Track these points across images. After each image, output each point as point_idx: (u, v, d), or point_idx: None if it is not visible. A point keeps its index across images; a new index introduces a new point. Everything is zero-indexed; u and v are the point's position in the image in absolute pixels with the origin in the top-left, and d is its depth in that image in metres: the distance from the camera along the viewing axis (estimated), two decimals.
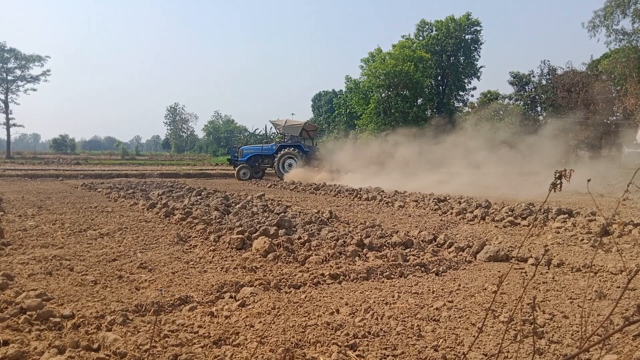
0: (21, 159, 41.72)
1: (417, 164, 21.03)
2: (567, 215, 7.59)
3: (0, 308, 3.13)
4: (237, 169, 21.79)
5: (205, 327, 2.97)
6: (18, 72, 47.82)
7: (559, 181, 1.36)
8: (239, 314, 3.23)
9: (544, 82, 45.04)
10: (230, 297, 3.67)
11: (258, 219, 7.30)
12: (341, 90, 61.00)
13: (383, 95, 43.14)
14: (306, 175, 20.42)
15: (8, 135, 49.02)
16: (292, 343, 2.68)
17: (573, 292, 3.90)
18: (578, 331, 3.01)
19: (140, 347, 2.60)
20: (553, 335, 2.95)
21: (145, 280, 4.08)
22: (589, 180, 1.81)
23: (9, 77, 47.32)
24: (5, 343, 2.58)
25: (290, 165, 21.69)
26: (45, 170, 24.28)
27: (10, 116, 48.05)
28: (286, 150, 21.83)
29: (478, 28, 46.95)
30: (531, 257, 5.05)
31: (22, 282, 3.89)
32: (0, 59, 46.38)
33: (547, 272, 4.53)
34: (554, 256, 5.08)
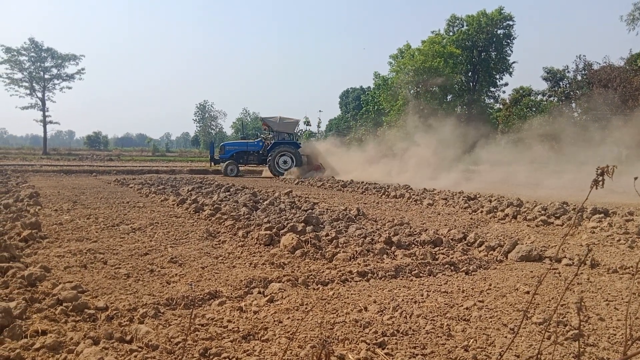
0: (57, 155, 43.09)
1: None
2: (602, 215, 7.36)
3: (39, 299, 3.25)
4: (224, 165, 21.46)
5: (234, 322, 2.99)
6: (54, 71, 49.37)
7: (601, 178, 1.31)
8: (268, 310, 3.25)
9: (579, 77, 43.64)
10: (259, 292, 3.70)
11: (286, 215, 7.33)
12: (369, 87, 60.77)
13: (412, 91, 42.75)
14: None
15: (45, 132, 50.73)
16: (320, 340, 2.68)
17: (609, 293, 3.77)
18: (615, 334, 2.92)
19: (172, 339, 2.64)
20: (589, 337, 2.86)
21: (176, 274, 4.15)
22: (636, 179, 1.73)
23: (46, 76, 48.88)
24: (44, 333, 2.67)
25: (285, 162, 21.34)
26: (79, 166, 25.03)
27: (46, 113, 49.66)
28: (282, 147, 21.48)
29: (510, 22, 45.95)
30: (565, 257, 4.91)
31: (58, 274, 4.01)
32: (38, 59, 47.95)
33: (581, 273, 4.40)
34: (586, 257, 4.93)
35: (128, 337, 2.70)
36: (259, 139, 23.28)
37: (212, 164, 23.27)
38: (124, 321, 2.96)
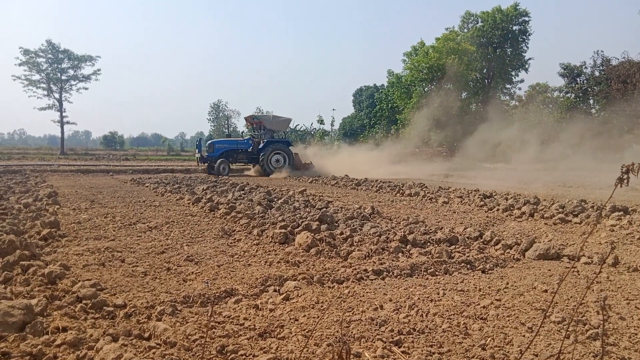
0: (74, 155, 43.73)
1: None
2: (622, 213, 7.23)
3: (59, 296, 3.30)
4: (217, 163, 20.50)
5: (250, 320, 3.01)
6: (71, 72, 50.04)
7: (625, 176, 1.28)
8: (283, 308, 3.26)
9: (596, 73, 42.89)
10: (275, 290, 3.71)
11: (300, 214, 7.34)
12: (383, 85, 60.54)
13: (426, 89, 42.50)
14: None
15: (62, 132, 51.44)
16: (338, 338, 2.68)
17: (630, 292, 3.71)
18: (636, 334, 2.87)
19: (189, 337, 2.66)
20: (609, 337, 2.82)
21: (192, 272, 4.19)
22: None
23: (63, 77, 49.56)
24: (64, 329, 2.72)
25: (277, 161, 21.03)
26: (96, 165, 25.37)
27: (64, 114, 50.35)
28: (275, 146, 21.16)
29: (526, 18, 45.37)
30: (583, 255, 4.84)
31: (77, 272, 4.07)
32: (55, 60, 48.64)
33: (600, 272, 4.33)
34: (609, 255, 4.85)
35: (146, 334, 2.73)
36: (248, 137, 22.70)
37: (200, 163, 21.76)
38: (142, 318, 3.00)
